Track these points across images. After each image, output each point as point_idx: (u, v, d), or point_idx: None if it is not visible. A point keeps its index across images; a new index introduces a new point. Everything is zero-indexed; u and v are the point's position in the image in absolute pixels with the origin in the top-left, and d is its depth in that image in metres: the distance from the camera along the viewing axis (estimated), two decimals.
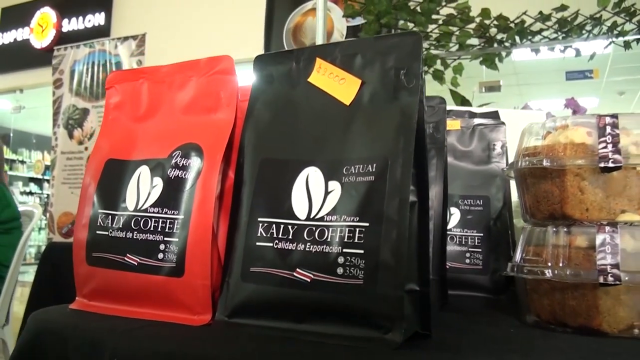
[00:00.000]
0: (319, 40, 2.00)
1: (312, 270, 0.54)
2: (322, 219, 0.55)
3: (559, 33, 2.89)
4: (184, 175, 0.64)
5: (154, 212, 0.64)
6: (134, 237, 0.65)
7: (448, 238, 0.87)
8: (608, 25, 2.87)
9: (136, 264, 0.64)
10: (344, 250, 0.53)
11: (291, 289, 0.55)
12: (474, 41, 2.98)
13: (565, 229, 0.63)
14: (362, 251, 0.52)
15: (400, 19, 2.66)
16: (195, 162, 0.64)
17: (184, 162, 0.64)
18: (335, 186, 0.56)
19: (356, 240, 0.53)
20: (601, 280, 0.59)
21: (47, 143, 6.97)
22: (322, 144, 0.58)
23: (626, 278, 0.58)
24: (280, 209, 0.58)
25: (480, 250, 0.86)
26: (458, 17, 2.67)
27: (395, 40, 0.57)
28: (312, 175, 0.57)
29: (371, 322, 0.51)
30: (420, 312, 0.55)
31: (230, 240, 0.61)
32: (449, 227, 0.88)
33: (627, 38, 2.96)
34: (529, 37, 2.89)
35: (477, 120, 0.96)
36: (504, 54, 2.94)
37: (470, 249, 0.87)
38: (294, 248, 0.56)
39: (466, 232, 0.87)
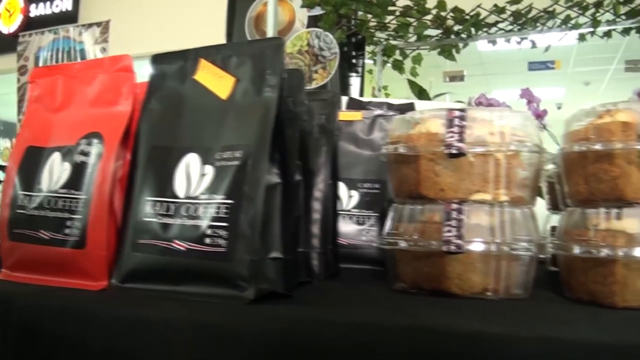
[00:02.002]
0: (270, 31, 2.08)
1: (187, 241, 0.64)
2: (197, 197, 0.65)
3: (515, 25, 3.00)
4: (88, 160, 0.73)
5: (62, 193, 0.73)
6: (46, 214, 0.74)
7: (347, 217, 0.97)
8: (562, 18, 2.97)
9: (48, 238, 0.73)
10: (212, 223, 0.63)
11: (170, 257, 0.65)
12: (433, 32, 3.07)
13: (420, 207, 0.73)
14: (226, 224, 0.62)
15: (357, 10, 2.74)
16: (96, 149, 0.73)
17: (88, 149, 0.73)
18: (209, 170, 0.65)
19: (222, 215, 0.63)
20: (444, 249, 0.69)
21: (15, 131, 6.95)
22: (201, 133, 0.68)
23: (468, 247, 0.69)
24: (164, 189, 0.68)
25: (375, 228, 0.96)
26: (414, 8, 2.76)
27: (263, 44, 0.67)
28: (192, 160, 0.67)
29: (231, 283, 0.61)
30: (283, 276, 0.64)
31: (125, 216, 0.71)
32: (349, 207, 0.98)
33: (581, 31, 3.07)
34: (485, 29, 2.99)
35: (377, 112, 1.05)
36: (461, 45, 3.04)
37: (367, 227, 0.96)
38: (173, 222, 0.66)
39: (363, 212, 0.97)
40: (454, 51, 3.06)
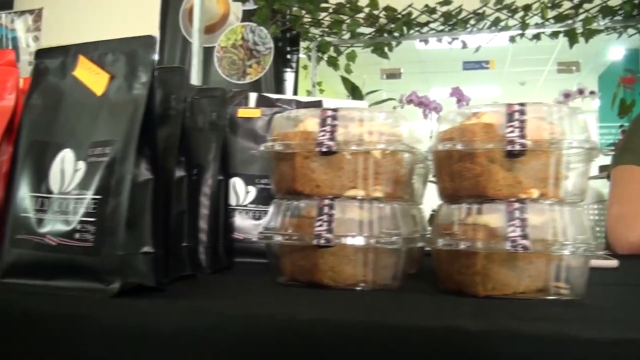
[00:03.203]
0: (196, 25, 2.08)
1: (58, 236, 0.65)
2: (69, 193, 0.66)
3: (446, 26, 3.09)
4: None
5: None
6: None
7: (244, 213, 0.99)
8: (491, 20, 3.08)
9: None
10: (82, 219, 0.64)
11: (43, 252, 0.66)
12: (367, 30, 3.13)
13: (296, 203, 0.76)
14: (94, 219, 0.63)
15: (291, 5, 2.77)
16: None
17: None
18: (82, 165, 0.66)
19: (91, 211, 0.64)
20: (315, 242, 0.72)
21: None
22: (75, 129, 0.69)
23: (338, 241, 0.72)
24: (40, 184, 0.68)
25: None
26: (347, 6, 2.81)
27: (136, 42, 0.68)
28: (67, 156, 0.68)
29: (99, 277, 0.62)
30: (155, 270, 0.66)
31: (6, 212, 0.71)
32: (245, 203, 1.00)
33: (511, 33, 3.18)
34: (417, 29, 3.07)
35: (276, 109, 1.08)
36: (394, 43, 3.12)
37: (263, 222, 0.99)
38: (47, 218, 0.66)
39: (260, 207, 1.00)
40: (387, 49, 3.13)
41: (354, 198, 0.74)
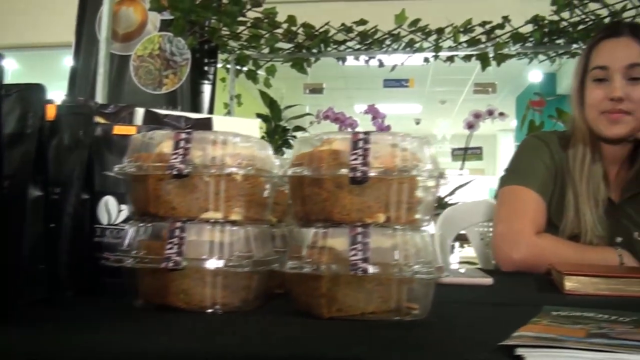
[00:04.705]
0: (103, 33, 2.04)
1: None
2: None
3: (363, 45, 3.16)
4: None
5: None
6: None
7: (116, 232, 0.98)
8: (406, 41, 3.17)
9: None
10: None
11: None
12: (287, 45, 3.16)
13: (150, 225, 0.76)
14: None
15: (207, 18, 2.77)
16: None
17: None
18: None
19: None
20: (163, 265, 0.72)
21: None
22: None
23: (187, 264, 0.73)
24: None
25: None
26: (265, 21, 2.83)
27: None
28: None
29: None
30: None
31: None
32: (117, 222, 0.99)
33: (425, 54, 3.29)
34: (335, 46, 3.12)
35: (153, 126, 1.07)
36: (312, 59, 3.16)
37: None
38: None
39: None
40: (305, 65, 3.17)
41: (207, 221, 0.75)
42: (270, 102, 2.91)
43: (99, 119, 1.14)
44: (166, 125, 1.16)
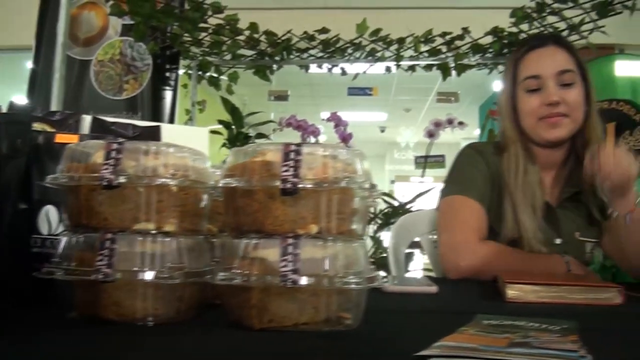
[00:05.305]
0: (60, 38, 2.02)
1: None
2: None
3: (325, 53, 3.18)
4: None
5: None
6: None
7: (57, 242, 0.97)
8: (368, 50, 3.21)
9: None
10: None
11: None
12: (249, 52, 3.16)
13: (82, 236, 0.76)
14: None
15: (169, 24, 2.75)
16: None
17: None
18: None
19: None
20: (93, 277, 0.72)
21: None
22: None
23: (117, 276, 0.72)
24: None
25: None
26: (227, 27, 2.82)
27: None
28: None
29: None
30: None
31: None
32: (58, 232, 0.98)
33: (386, 63, 3.32)
34: (297, 54, 3.14)
35: (97, 134, 1.07)
36: (275, 66, 3.17)
37: None
38: None
39: None
40: (269, 72, 3.18)
41: (139, 232, 0.75)
42: (232, 109, 2.90)
43: (43, 127, 1.13)
44: (113, 134, 1.16)
